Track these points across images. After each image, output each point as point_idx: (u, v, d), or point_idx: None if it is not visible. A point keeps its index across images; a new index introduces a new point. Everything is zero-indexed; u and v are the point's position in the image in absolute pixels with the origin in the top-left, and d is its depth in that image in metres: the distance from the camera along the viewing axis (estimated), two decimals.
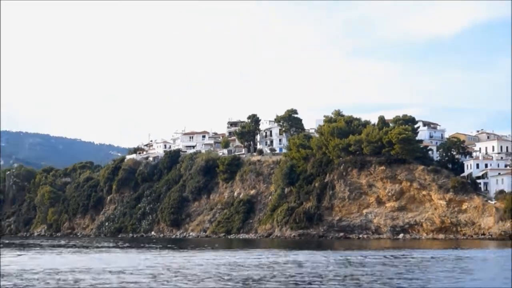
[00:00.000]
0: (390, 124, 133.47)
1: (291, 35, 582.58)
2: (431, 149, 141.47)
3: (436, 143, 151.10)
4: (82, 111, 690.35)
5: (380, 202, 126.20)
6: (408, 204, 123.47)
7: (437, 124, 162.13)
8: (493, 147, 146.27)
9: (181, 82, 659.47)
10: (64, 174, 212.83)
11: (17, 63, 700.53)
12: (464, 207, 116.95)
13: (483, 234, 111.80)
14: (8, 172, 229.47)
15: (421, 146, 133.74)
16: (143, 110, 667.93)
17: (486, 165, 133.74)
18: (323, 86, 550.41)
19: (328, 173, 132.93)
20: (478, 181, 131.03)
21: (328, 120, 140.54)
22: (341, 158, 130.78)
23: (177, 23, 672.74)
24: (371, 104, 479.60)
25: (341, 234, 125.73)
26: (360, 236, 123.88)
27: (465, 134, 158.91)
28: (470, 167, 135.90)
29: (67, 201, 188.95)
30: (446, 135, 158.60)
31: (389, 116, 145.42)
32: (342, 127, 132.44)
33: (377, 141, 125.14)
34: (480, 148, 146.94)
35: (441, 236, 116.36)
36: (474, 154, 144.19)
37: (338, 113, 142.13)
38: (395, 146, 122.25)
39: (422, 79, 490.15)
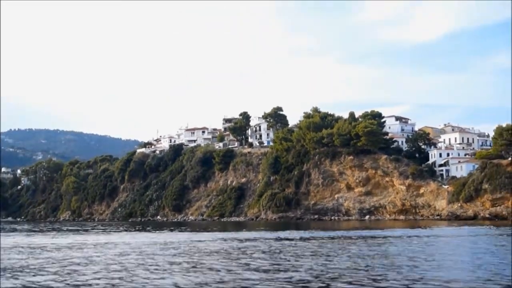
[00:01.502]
0: (360, 119, 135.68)
1: (290, 36, 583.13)
2: (396, 141, 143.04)
3: (407, 135, 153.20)
4: (109, 110, 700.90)
5: (349, 187, 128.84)
6: (373, 189, 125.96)
7: (408, 119, 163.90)
8: (455, 138, 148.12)
9: (181, 82, 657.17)
10: (87, 166, 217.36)
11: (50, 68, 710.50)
12: (421, 191, 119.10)
13: (438, 215, 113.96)
14: (40, 165, 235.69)
15: (387, 138, 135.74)
16: (153, 108, 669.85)
17: (448, 154, 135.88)
18: (319, 86, 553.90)
19: (305, 162, 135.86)
20: (441, 168, 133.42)
21: (307, 116, 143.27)
22: (316, 150, 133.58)
23: (177, 23, 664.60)
24: (361, 103, 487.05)
25: (316, 216, 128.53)
26: (332, 218, 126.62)
27: (432, 128, 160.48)
28: (434, 156, 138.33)
29: (87, 190, 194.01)
30: (416, 128, 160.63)
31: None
32: (317, 122, 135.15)
33: (346, 134, 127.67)
34: (444, 140, 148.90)
35: (402, 217, 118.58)
36: (439, 144, 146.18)
37: (315, 110, 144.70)
38: (361, 138, 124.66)
39: (408, 80, 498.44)
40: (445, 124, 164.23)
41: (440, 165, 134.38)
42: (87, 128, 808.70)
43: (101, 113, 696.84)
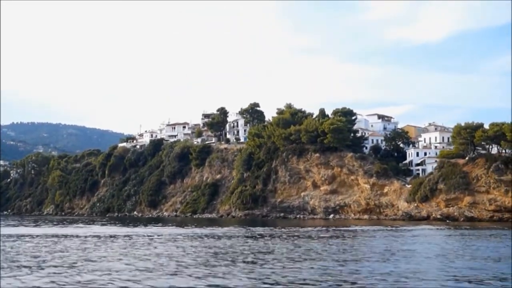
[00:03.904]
0: (330, 116, 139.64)
1: (291, 36, 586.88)
2: (367, 138, 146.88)
3: (389, 134, 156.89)
4: (111, 106, 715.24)
5: (315, 185, 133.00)
6: (339, 187, 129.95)
7: (391, 117, 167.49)
8: (435, 137, 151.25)
9: (181, 81, 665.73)
10: (74, 161, 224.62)
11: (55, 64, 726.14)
12: (385, 190, 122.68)
13: (401, 214, 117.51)
14: (28, 158, 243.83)
15: (357, 136, 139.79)
16: (154, 105, 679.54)
17: (425, 153, 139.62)
18: (321, 85, 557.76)
19: (274, 159, 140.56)
20: (417, 167, 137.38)
21: (280, 112, 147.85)
22: (285, 146, 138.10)
23: (177, 23, 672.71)
24: (362, 102, 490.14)
25: (282, 214, 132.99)
26: (298, 216, 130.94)
27: (415, 126, 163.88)
28: (411, 155, 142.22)
29: (69, 184, 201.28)
30: (399, 127, 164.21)
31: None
32: (287, 118, 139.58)
33: (313, 131, 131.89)
34: (424, 139, 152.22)
35: (365, 216, 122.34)
36: (419, 143, 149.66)
37: (289, 106, 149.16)
38: (327, 136, 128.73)
39: (410, 80, 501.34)
40: (429, 123, 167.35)
41: (417, 164, 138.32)
42: (90, 123, 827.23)
43: (103, 109, 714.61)
